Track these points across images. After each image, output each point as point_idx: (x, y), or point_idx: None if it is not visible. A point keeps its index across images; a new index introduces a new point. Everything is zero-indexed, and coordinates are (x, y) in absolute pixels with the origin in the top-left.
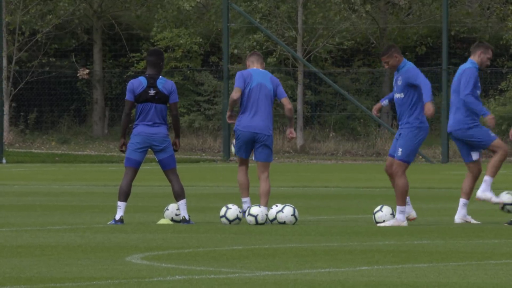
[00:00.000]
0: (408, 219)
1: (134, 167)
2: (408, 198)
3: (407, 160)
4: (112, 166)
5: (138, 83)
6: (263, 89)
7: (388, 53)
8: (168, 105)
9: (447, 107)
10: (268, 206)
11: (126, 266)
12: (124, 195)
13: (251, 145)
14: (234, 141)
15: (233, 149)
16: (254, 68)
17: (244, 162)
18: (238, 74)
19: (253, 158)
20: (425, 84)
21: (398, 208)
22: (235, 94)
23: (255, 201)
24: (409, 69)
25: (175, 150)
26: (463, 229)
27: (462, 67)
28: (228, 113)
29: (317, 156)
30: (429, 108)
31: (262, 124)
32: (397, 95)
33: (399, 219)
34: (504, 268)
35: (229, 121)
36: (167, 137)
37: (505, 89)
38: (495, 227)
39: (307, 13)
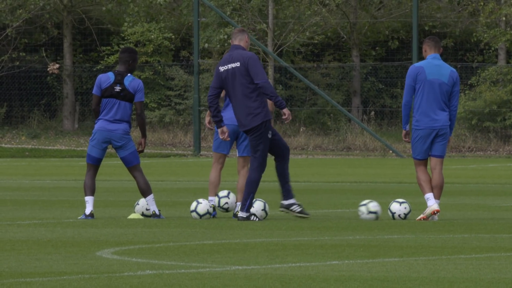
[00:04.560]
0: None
1: (94, 164)
2: (432, 194)
3: (413, 157)
4: (82, 161)
5: (105, 78)
6: None
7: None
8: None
9: None
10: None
11: (97, 260)
12: (90, 190)
13: (234, 139)
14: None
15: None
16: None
17: (223, 159)
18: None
19: (237, 154)
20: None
21: (424, 197)
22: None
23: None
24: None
25: (141, 151)
26: (434, 223)
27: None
28: (208, 119)
29: None
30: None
31: None
32: None
33: (429, 204)
34: (474, 262)
35: (209, 127)
36: (126, 134)
37: (475, 84)
38: (465, 222)
39: (278, 8)
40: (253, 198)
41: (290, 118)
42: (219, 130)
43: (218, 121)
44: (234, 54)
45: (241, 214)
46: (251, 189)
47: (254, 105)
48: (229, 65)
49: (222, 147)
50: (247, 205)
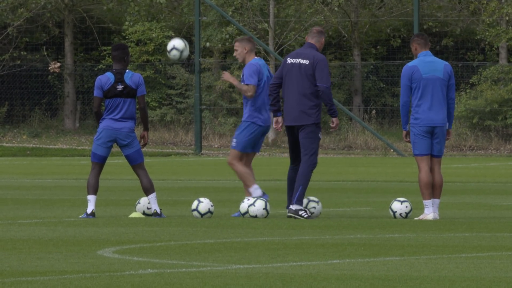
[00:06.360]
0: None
1: (100, 162)
2: (431, 201)
3: (415, 154)
4: (83, 160)
5: (106, 79)
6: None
7: (411, 40)
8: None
9: None
10: (241, 199)
11: (98, 259)
12: (93, 189)
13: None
14: None
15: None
16: (256, 58)
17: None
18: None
19: (256, 151)
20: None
21: (423, 202)
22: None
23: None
24: None
25: (144, 144)
26: (435, 222)
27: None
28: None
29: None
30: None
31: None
32: None
33: (425, 213)
34: (475, 261)
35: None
36: (132, 132)
37: (476, 82)
38: (466, 220)
39: (279, 7)
40: (303, 191)
41: (337, 128)
42: (274, 119)
43: (276, 110)
44: (307, 52)
45: (291, 206)
46: (300, 182)
47: (309, 105)
48: (298, 60)
49: (253, 147)
50: (296, 197)
